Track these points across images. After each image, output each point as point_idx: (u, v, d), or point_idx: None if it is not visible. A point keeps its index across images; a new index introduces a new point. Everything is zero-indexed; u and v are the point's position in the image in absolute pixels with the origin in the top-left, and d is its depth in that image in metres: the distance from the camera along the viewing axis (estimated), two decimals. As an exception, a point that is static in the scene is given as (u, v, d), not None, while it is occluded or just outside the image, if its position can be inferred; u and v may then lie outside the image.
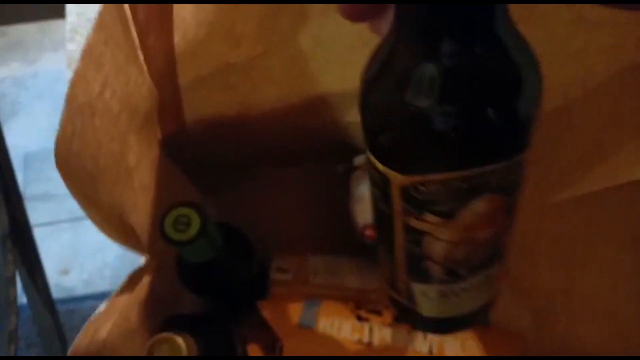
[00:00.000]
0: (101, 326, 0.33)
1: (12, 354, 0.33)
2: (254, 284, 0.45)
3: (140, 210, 0.37)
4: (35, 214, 0.90)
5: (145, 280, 0.38)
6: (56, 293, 0.77)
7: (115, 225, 0.36)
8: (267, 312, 0.42)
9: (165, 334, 0.34)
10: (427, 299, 0.27)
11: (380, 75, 0.20)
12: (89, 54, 0.27)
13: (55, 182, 0.74)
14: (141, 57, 0.31)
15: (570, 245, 0.37)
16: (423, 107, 0.19)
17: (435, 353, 0.40)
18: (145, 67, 0.32)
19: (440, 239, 0.23)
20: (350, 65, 0.41)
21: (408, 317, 0.30)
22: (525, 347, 0.43)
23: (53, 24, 0.91)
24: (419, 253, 0.24)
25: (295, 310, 0.42)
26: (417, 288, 0.26)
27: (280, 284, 0.47)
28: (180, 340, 0.34)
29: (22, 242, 0.38)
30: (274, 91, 0.41)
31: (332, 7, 0.28)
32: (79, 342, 0.31)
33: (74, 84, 0.27)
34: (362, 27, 0.24)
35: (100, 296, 0.64)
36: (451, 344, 0.41)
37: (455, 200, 0.21)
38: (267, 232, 0.49)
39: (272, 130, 0.47)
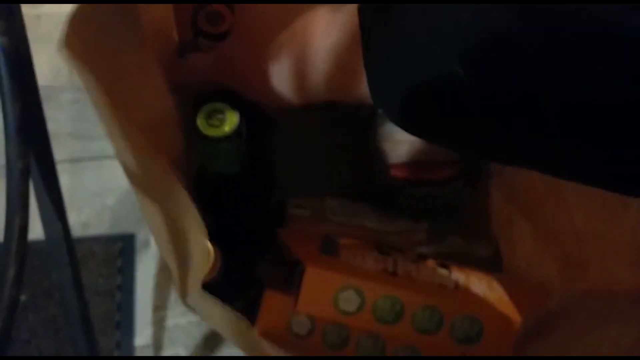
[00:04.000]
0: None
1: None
2: (273, 213, 0.43)
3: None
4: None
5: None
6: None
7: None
8: (286, 237, 0.39)
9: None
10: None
11: None
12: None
13: (57, 123, 0.71)
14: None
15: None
16: None
17: (462, 288, 0.39)
18: None
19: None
20: None
21: None
22: (545, 299, 0.41)
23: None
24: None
25: (316, 240, 0.40)
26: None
27: (298, 220, 0.45)
28: None
29: (35, 136, 0.36)
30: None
31: None
32: None
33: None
34: None
35: (97, 239, 0.61)
36: (477, 282, 0.40)
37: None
38: (286, 176, 0.47)
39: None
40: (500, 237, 0.48)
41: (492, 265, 0.48)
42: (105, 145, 0.67)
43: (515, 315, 0.38)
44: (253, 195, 0.40)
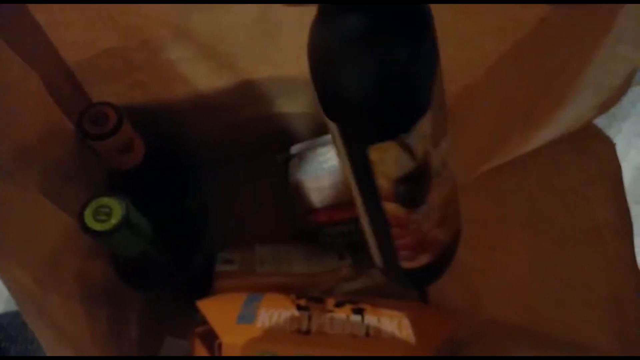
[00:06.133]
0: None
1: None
2: (197, 279, 0.45)
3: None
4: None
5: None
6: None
7: None
8: (206, 310, 0.42)
9: None
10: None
11: None
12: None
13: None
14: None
15: (482, 226, 0.37)
16: None
17: (372, 335, 0.41)
18: None
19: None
20: (269, 52, 0.41)
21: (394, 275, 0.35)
22: (456, 327, 0.43)
23: None
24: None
25: (235, 307, 0.43)
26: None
27: (225, 276, 0.48)
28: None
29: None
30: (187, 89, 0.42)
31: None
32: None
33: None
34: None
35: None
36: (388, 324, 0.42)
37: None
38: (217, 229, 0.49)
39: (198, 128, 0.47)
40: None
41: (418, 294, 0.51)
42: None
43: (422, 352, 0.40)
44: (169, 266, 0.42)
